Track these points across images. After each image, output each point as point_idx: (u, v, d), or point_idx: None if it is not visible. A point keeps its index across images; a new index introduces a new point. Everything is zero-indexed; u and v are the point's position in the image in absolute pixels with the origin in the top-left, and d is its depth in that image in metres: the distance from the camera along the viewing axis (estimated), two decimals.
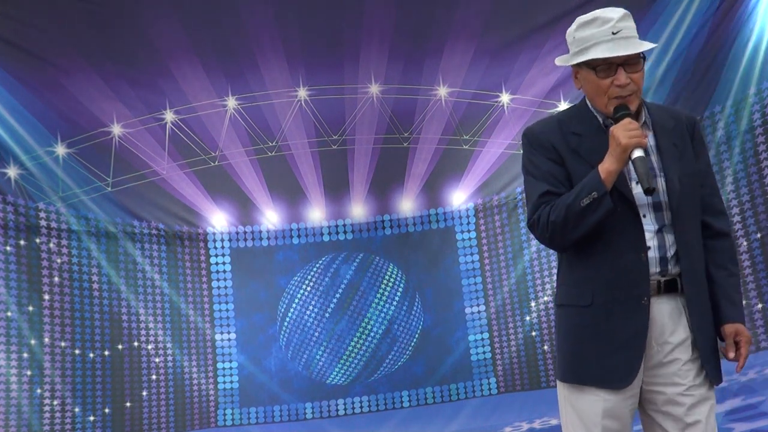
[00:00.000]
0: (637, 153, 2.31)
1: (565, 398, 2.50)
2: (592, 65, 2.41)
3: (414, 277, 8.62)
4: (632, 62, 2.39)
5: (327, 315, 8.51)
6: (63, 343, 7.54)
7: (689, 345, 2.41)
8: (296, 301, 8.53)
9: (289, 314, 8.51)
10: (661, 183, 2.42)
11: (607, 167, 2.34)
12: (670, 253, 2.42)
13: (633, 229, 2.40)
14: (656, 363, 2.42)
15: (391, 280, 8.61)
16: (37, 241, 7.56)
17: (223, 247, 8.55)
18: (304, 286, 8.57)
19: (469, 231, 8.67)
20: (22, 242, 7.46)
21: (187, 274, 8.38)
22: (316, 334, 8.47)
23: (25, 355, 7.31)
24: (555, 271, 8.18)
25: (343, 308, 8.52)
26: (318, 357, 8.45)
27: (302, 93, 8.09)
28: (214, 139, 8.25)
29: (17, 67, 7.13)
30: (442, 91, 8.14)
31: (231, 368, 8.32)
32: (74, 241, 7.77)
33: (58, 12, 6.95)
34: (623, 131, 2.32)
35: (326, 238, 8.70)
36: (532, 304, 8.31)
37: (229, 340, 8.37)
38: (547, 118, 2.63)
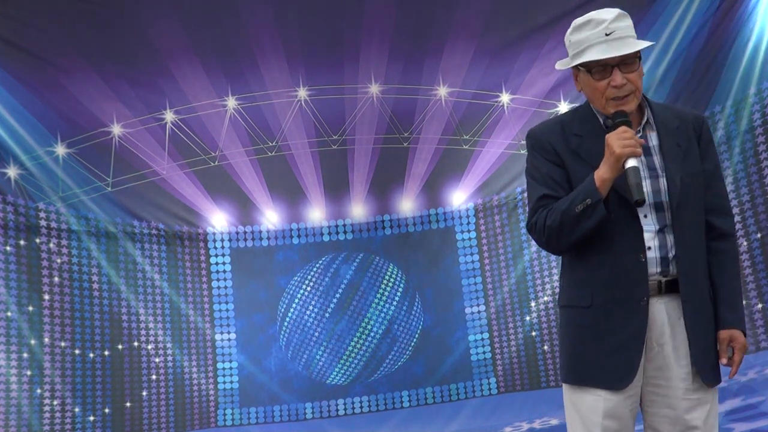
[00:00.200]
0: (631, 163, 2.31)
1: (568, 398, 2.51)
2: (588, 67, 2.42)
3: (414, 277, 8.62)
4: (628, 62, 2.39)
5: (327, 315, 8.51)
6: (63, 343, 7.54)
7: (687, 346, 2.41)
8: (296, 301, 8.53)
9: (289, 314, 8.51)
10: (662, 183, 2.42)
11: (601, 175, 2.35)
12: (672, 253, 2.41)
13: (632, 230, 2.40)
14: (657, 363, 2.42)
15: (391, 280, 8.61)
16: (37, 241, 7.56)
17: (223, 247, 8.55)
18: (304, 286, 8.57)
19: (469, 231, 8.67)
20: (22, 242, 7.46)
21: (187, 274, 8.38)
22: (316, 334, 8.47)
23: (25, 355, 7.31)
24: (555, 271, 8.18)
25: (343, 308, 8.52)
26: (318, 357, 8.45)
27: (302, 93, 8.09)
28: (214, 139, 8.25)
29: (17, 67, 7.13)
30: (442, 91, 8.14)
31: (231, 368, 8.32)
32: (74, 241, 7.77)
33: (58, 12, 6.95)
34: (617, 140, 2.32)
35: (326, 238, 8.70)
36: (532, 304, 8.31)
37: (229, 340, 8.37)
38: (550, 120, 2.64)
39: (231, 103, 8.04)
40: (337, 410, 8.33)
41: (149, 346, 8.02)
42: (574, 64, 2.44)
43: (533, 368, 8.25)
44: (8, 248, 7.36)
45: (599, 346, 2.41)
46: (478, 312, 8.50)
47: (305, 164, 8.49)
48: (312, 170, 8.51)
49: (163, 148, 8.10)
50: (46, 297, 7.51)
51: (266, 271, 8.57)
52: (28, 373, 7.30)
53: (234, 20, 7.31)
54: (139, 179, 8.15)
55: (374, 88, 8.11)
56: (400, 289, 8.60)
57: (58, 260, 7.65)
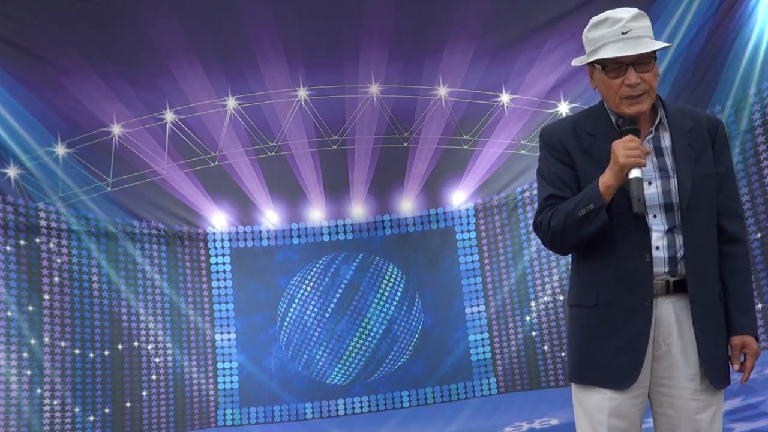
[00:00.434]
0: (634, 173, 2.31)
1: (575, 397, 2.51)
2: (603, 65, 2.42)
3: (414, 277, 8.62)
4: (643, 62, 2.39)
5: (327, 315, 8.51)
6: (63, 343, 7.54)
7: (696, 347, 2.40)
8: (296, 301, 8.53)
9: (289, 314, 8.51)
10: (673, 184, 2.42)
11: (605, 181, 2.35)
12: (680, 253, 2.41)
13: (638, 230, 2.40)
14: (665, 363, 2.42)
15: (391, 280, 8.61)
16: (37, 241, 7.56)
17: (223, 247, 8.55)
18: (304, 286, 8.57)
19: (469, 231, 8.67)
20: (22, 242, 7.46)
21: (187, 274, 8.38)
22: (316, 334, 8.47)
23: (25, 354, 7.31)
24: (555, 271, 8.18)
25: (343, 308, 8.52)
26: (318, 357, 8.45)
27: (302, 93, 8.09)
28: (214, 139, 8.25)
29: (17, 67, 7.14)
30: (442, 91, 8.15)
31: (231, 368, 8.32)
32: (74, 241, 7.77)
33: (58, 12, 6.95)
34: (623, 149, 2.32)
35: (326, 238, 8.70)
36: (532, 304, 8.31)
37: (229, 340, 8.37)
38: (563, 118, 2.65)
39: (231, 103, 8.04)
40: (337, 410, 8.33)
41: (149, 346, 8.01)
42: (590, 60, 2.45)
43: (533, 368, 8.25)
44: (8, 248, 7.36)
45: (604, 346, 2.42)
46: (478, 312, 8.50)
47: (305, 164, 8.49)
48: (312, 170, 8.51)
49: (163, 148, 8.10)
50: (46, 297, 7.51)
51: (266, 271, 8.57)
52: (28, 372, 7.30)
53: (234, 20, 7.32)
54: (139, 179, 8.15)
55: (374, 88, 8.12)
56: (400, 289, 8.60)
57: (58, 260, 7.65)
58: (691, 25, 6.91)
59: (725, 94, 6.94)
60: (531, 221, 8.20)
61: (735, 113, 6.90)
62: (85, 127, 7.78)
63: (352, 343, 8.46)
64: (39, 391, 7.32)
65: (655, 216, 2.41)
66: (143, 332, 8.02)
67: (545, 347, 8.21)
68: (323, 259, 8.65)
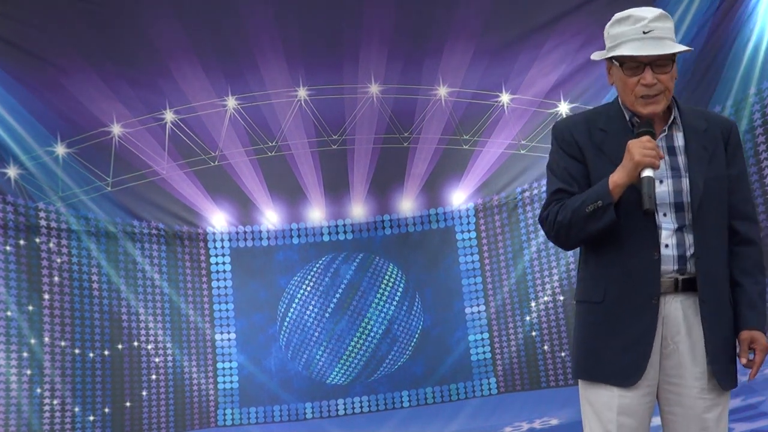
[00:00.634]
0: (647, 173, 2.32)
1: (583, 395, 2.51)
2: (621, 62, 2.43)
3: (414, 277, 8.62)
4: (661, 63, 2.40)
5: (327, 315, 8.51)
6: (63, 343, 7.54)
7: (704, 346, 2.40)
8: (296, 301, 8.53)
9: (289, 314, 8.51)
10: (685, 183, 2.42)
11: (616, 179, 2.35)
12: (690, 252, 2.41)
13: (647, 228, 2.40)
14: (673, 362, 2.42)
15: (391, 280, 8.61)
16: (37, 240, 7.56)
17: (223, 247, 8.55)
18: (304, 286, 8.57)
19: (469, 231, 8.67)
20: (22, 242, 7.46)
21: (187, 274, 8.38)
22: (316, 334, 8.47)
23: (25, 354, 7.31)
24: (555, 271, 8.18)
25: (343, 308, 8.52)
26: (318, 357, 8.45)
27: (302, 93, 8.09)
28: (214, 139, 8.24)
29: (17, 67, 7.13)
30: (442, 91, 8.15)
31: (231, 368, 8.32)
32: (74, 241, 7.77)
33: (58, 12, 6.95)
34: (639, 147, 2.32)
35: (326, 238, 8.70)
36: (532, 304, 8.31)
37: (229, 340, 8.37)
38: (577, 114, 2.66)
39: (231, 103, 8.04)
40: (337, 410, 8.33)
41: (149, 346, 8.01)
42: (608, 56, 2.46)
43: (533, 368, 8.24)
44: (8, 248, 7.36)
45: (611, 343, 2.42)
46: (478, 312, 8.50)
47: (305, 164, 8.49)
48: (312, 170, 8.51)
49: (163, 148, 8.10)
50: (46, 297, 7.51)
51: (266, 271, 8.57)
52: (28, 372, 7.30)
53: (234, 20, 7.32)
54: (139, 179, 8.15)
55: (374, 88, 8.12)
56: (400, 289, 8.60)
57: (58, 260, 7.65)
58: (691, 25, 6.91)
59: (725, 94, 6.94)
60: (531, 221, 8.23)
61: (735, 113, 6.90)
62: (85, 127, 7.77)
63: (352, 343, 8.46)
64: (39, 390, 7.32)
65: (665, 214, 2.42)
66: (143, 332, 8.02)
67: (545, 347, 8.21)
68: (323, 259, 8.65)
